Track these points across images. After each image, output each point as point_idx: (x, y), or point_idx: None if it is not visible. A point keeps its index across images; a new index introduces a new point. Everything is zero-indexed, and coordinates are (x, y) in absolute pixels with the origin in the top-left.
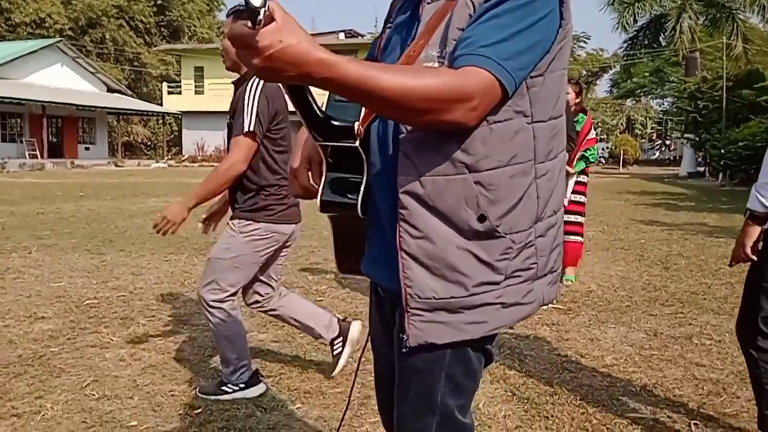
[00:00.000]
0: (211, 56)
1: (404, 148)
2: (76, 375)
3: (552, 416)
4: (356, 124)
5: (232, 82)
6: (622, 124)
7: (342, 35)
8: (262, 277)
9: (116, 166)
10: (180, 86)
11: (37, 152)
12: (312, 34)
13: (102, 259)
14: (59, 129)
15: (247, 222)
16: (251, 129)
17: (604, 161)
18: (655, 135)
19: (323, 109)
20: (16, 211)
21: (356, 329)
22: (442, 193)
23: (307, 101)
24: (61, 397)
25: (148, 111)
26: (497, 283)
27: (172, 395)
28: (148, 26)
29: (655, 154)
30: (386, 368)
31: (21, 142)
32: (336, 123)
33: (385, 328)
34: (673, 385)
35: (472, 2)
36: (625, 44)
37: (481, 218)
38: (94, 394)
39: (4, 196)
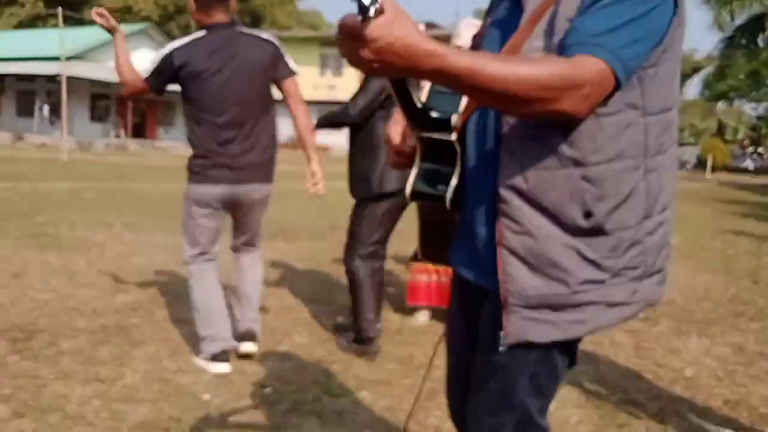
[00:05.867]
0: (289, 44)
1: (507, 143)
2: (154, 347)
3: (627, 425)
4: (454, 117)
5: None
6: (712, 128)
7: (421, 27)
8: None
9: None
10: None
11: (122, 133)
12: None
13: (179, 238)
14: (143, 111)
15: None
16: None
17: (689, 166)
18: (747, 141)
19: (424, 98)
20: (101, 188)
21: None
22: (546, 189)
23: (407, 91)
24: (141, 367)
25: None
26: (602, 282)
27: (243, 374)
28: (233, 17)
29: (746, 161)
30: (461, 363)
31: (107, 122)
32: (434, 115)
33: (466, 322)
34: (758, 403)
35: None
36: (721, 44)
37: (587, 214)
38: (171, 366)
39: (91, 173)
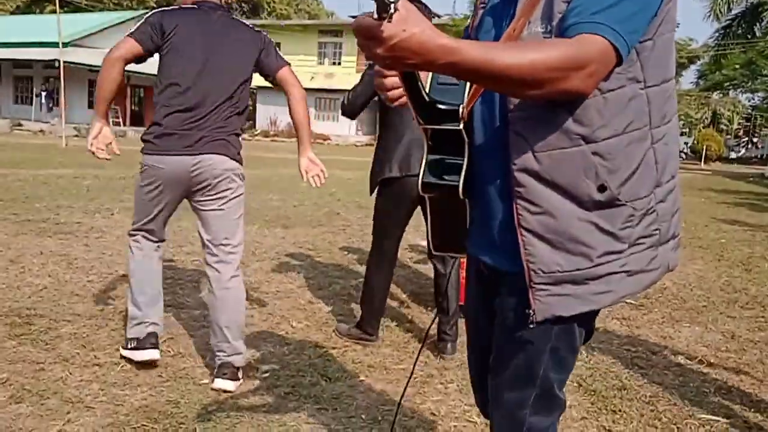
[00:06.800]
0: (287, 33)
1: (514, 126)
2: None
3: (619, 411)
4: (461, 106)
5: None
6: (706, 118)
7: None
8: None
9: None
10: None
11: (120, 120)
12: None
13: (178, 224)
14: (141, 98)
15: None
16: None
17: (684, 156)
18: (741, 131)
19: (427, 91)
20: (100, 174)
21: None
22: (559, 167)
23: (417, 85)
24: None
25: None
26: (621, 252)
27: None
28: (229, 1)
29: (740, 151)
30: (484, 345)
31: None
32: (442, 107)
33: (486, 304)
34: (750, 390)
35: None
36: (717, 34)
37: (602, 188)
38: (169, 351)
39: (90, 160)
